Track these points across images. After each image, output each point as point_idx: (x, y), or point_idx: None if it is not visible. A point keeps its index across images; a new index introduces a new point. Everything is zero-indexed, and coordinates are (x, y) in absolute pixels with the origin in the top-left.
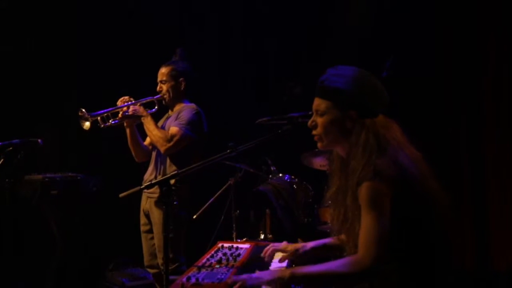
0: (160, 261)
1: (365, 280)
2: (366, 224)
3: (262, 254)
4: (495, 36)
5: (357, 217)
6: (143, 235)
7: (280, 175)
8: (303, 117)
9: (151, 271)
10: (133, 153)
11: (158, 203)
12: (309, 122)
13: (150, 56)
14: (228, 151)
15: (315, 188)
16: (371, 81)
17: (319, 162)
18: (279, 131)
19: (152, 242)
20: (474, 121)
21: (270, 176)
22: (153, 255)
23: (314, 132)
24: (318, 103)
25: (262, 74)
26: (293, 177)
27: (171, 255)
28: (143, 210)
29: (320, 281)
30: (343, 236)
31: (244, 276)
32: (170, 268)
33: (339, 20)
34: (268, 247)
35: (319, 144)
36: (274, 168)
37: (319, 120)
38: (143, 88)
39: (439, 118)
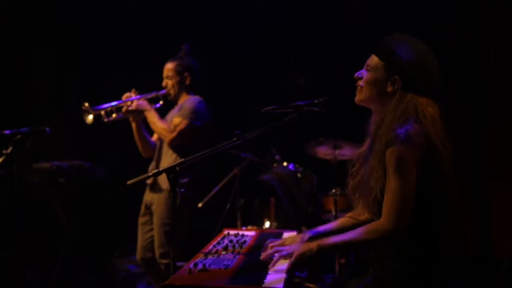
0: (157, 253)
1: (389, 244)
2: (391, 189)
3: (262, 258)
4: (496, 36)
5: (377, 178)
6: (140, 227)
7: (285, 164)
8: (309, 106)
9: (143, 264)
10: (140, 148)
11: (155, 187)
12: (357, 73)
13: (154, 50)
14: (234, 139)
15: (319, 177)
16: (430, 61)
17: (323, 151)
18: (285, 119)
19: (147, 235)
20: (478, 120)
21: (275, 165)
22: (146, 249)
23: (357, 83)
24: (371, 59)
25: (266, 62)
26: (297, 166)
27: (166, 249)
28: (146, 202)
29: (346, 249)
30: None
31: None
32: (163, 262)
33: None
34: (271, 251)
35: (356, 97)
36: (279, 157)
37: (365, 74)
38: (148, 82)
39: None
